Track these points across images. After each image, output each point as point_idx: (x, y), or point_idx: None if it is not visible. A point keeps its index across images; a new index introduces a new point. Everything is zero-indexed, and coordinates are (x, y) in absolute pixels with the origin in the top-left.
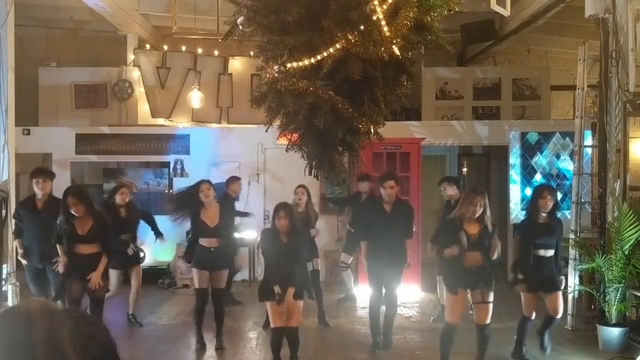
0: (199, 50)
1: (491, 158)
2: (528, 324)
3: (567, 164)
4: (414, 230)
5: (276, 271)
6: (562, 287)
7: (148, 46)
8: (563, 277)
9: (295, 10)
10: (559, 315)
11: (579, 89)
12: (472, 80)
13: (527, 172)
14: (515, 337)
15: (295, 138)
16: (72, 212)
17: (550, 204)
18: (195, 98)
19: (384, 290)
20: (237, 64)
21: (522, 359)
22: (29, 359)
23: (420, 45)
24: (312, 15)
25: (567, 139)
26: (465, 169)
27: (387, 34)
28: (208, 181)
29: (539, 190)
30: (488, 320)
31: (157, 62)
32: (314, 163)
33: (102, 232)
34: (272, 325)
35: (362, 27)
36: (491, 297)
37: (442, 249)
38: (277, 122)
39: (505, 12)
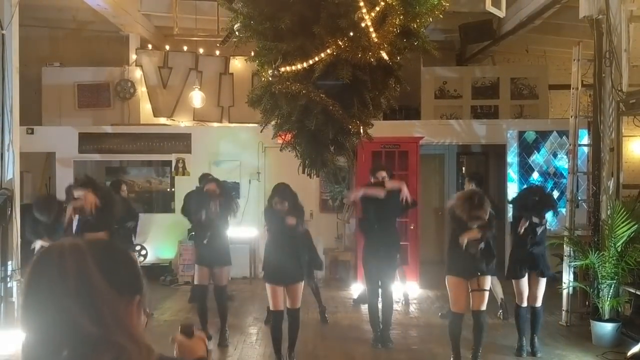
0: (201, 50)
1: (489, 156)
2: (520, 311)
3: (564, 163)
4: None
5: (280, 251)
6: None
7: (150, 46)
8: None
9: (289, 17)
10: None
11: (573, 88)
12: (470, 79)
13: (525, 170)
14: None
15: (289, 138)
16: None
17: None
18: (197, 98)
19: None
20: (238, 64)
21: (520, 349)
22: (63, 291)
23: (408, 50)
24: (304, 22)
25: (564, 137)
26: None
27: (375, 40)
28: None
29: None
30: (483, 307)
31: (159, 61)
32: (307, 162)
33: None
34: (271, 308)
35: (351, 34)
36: (487, 285)
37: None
38: (272, 123)
39: (501, 13)
